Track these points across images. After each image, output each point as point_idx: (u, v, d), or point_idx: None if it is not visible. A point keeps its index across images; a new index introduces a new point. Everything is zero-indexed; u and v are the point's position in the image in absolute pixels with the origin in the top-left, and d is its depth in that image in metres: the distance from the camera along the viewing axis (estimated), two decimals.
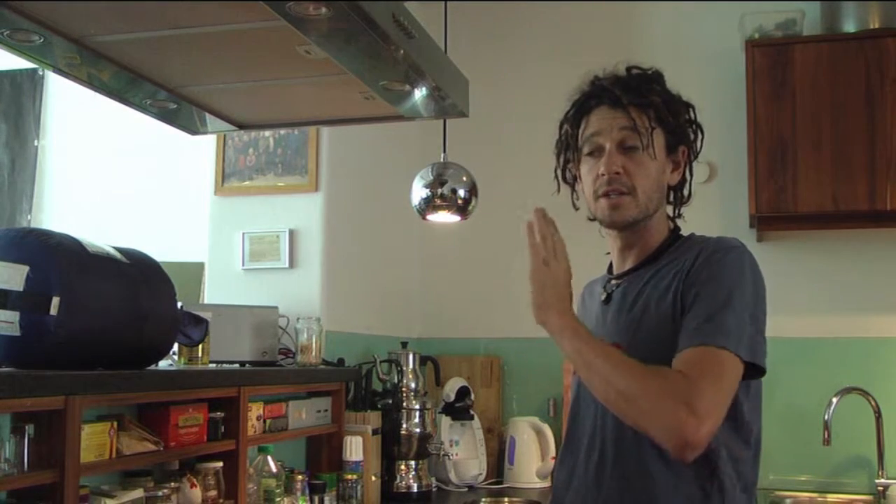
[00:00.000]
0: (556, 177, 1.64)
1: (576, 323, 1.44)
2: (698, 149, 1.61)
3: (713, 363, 1.34)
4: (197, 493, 1.95)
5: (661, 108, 1.53)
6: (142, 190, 3.20)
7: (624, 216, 1.53)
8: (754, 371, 1.40)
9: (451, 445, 3.11)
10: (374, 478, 2.71)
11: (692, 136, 1.59)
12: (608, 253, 1.67)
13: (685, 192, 1.61)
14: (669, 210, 1.63)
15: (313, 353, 2.57)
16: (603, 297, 1.62)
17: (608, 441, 1.50)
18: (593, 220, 1.61)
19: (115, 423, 1.74)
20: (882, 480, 2.97)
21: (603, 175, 1.52)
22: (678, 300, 1.44)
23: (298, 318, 2.59)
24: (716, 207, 3.18)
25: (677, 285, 1.46)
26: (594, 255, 1.72)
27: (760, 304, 1.44)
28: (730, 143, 3.16)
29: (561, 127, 1.62)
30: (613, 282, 1.61)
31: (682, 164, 1.59)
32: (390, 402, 2.87)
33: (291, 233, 2.78)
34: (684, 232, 1.62)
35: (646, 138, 1.51)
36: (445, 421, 3.10)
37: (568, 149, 1.61)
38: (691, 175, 1.61)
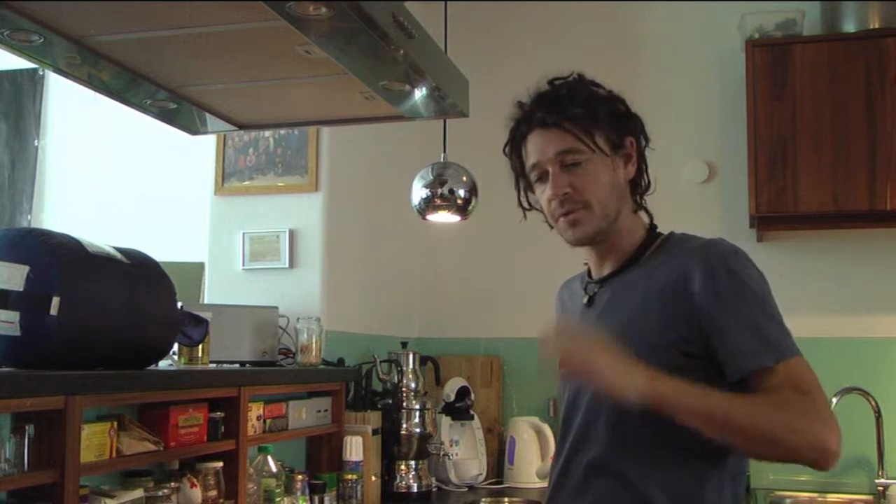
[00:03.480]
0: (520, 205, 1.63)
1: (666, 381, 1.36)
2: (646, 136, 1.59)
3: (801, 373, 1.40)
4: (197, 493, 1.95)
5: (586, 116, 1.51)
6: (142, 190, 3.20)
7: (586, 231, 1.53)
8: None
9: (451, 445, 3.11)
10: (374, 478, 2.71)
11: (634, 125, 1.57)
12: (586, 263, 1.65)
13: (643, 182, 1.59)
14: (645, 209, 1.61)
15: (313, 353, 2.56)
16: (585, 299, 1.61)
17: (597, 444, 1.49)
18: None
19: (115, 423, 1.74)
20: (882, 480, 2.97)
21: (553, 198, 1.53)
22: (692, 320, 1.42)
23: (298, 318, 2.59)
24: (716, 207, 3.17)
25: (677, 302, 1.43)
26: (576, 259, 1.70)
27: (773, 299, 1.48)
28: (730, 143, 3.17)
29: (509, 158, 1.62)
30: (594, 284, 1.60)
31: (633, 156, 1.56)
32: (390, 402, 2.87)
33: (291, 233, 2.78)
34: (663, 229, 1.59)
35: (586, 150, 1.50)
36: (445, 421, 3.10)
37: (521, 177, 1.61)
38: (646, 164, 1.59)
